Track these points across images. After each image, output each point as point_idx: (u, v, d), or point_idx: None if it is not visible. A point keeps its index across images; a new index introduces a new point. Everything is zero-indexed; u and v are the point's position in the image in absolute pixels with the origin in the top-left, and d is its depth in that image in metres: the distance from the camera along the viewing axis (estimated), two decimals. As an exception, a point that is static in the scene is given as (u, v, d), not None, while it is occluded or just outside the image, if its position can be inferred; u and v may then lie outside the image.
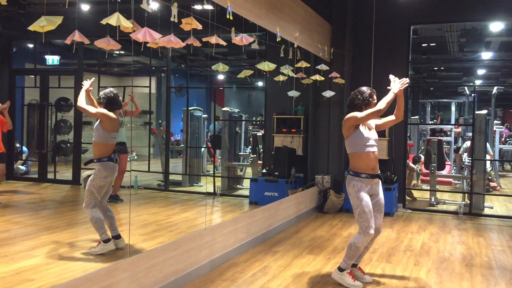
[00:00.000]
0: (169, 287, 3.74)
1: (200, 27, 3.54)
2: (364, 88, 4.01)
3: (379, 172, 4.04)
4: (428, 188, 8.49)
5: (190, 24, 3.44)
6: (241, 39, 4.13)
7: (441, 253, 5.23)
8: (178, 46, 3.34)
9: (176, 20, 3.68)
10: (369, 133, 4.00)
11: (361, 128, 3.95)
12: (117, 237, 4.76)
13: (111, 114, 4.66)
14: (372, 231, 3.90)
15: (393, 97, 3.88)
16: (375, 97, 4.00)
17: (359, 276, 4.15)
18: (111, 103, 4.69)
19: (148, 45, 3.87)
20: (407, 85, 3.89)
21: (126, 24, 3.00)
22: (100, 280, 2.97)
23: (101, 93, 4.73)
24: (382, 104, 3.81)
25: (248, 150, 10.90)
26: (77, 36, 3.05)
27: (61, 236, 5.31)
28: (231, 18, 3.94)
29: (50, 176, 9.44)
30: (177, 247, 3.92)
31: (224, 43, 4.00)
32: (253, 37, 4.75)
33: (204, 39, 3.95)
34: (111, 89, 4.80)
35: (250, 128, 13.19)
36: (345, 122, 3.95)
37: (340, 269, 4.04)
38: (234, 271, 4.41)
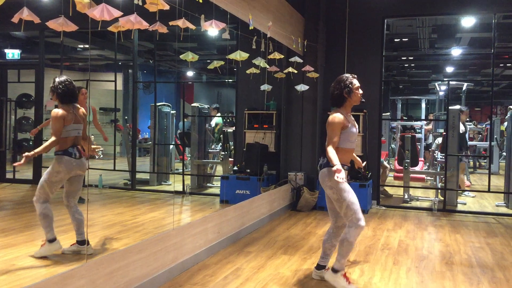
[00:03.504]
0: (133, 293, 3.42)
1: (166, 7, 3.22)
2: (342, 76, 3.75)
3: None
4: (402, 184, 8.38)
5: (155, 4, 3.12)
6: (211, 24, 3.83)
7: (419, 251, 5.06)
8: (142, 27, 3.02)
9: (140, 3, 3.37)
10: (355, 129, 3.76)
11: (349, 125, 3.69)
12: (82, 242, 4.31)
13: (61, 112, 4.15)
14: (363, 223, 3.59)
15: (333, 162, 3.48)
16: (355, 82, 3.71)
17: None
18: (66, 95, 4.21)
19: (109, 28, 3.54)
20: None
21: (83, -2, 2.67)
22: (52, 289, 2.63)
23: (56, 81, 4.22)
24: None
25: (219, 147, 10.62)
26: (25, 14, 2.69)
27: (16, 239, 4.90)
28: (201, 1, 3.64)
29: (9, 175, 8.92)
30: (143, 249, 3.59)
31: (193, 27, 3.69)
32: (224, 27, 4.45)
33: (171, 23, 3.64)
34: (68, 80, 4.28)
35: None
36: (328, 125, 3.64)
37: (335, 270, 3.70)
38: (205, 274, 4.11)
